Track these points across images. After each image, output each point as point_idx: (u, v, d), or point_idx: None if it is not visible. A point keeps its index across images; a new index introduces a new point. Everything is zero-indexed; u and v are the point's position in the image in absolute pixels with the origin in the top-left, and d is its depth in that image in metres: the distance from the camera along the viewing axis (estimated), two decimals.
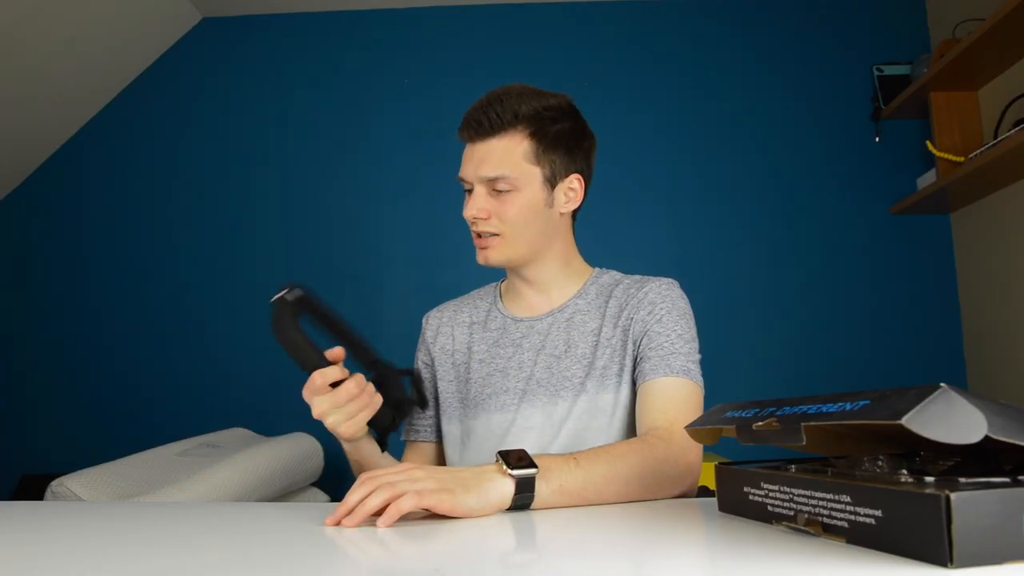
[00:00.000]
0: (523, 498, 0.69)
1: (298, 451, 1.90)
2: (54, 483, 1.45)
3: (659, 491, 0.80)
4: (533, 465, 0.70)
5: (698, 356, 0.98)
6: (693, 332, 1.00)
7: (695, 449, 0.86)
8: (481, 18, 2.49)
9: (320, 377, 0.80)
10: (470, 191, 0.99)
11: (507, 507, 0.69)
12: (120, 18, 2.26)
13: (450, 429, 1.06)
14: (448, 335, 1.11)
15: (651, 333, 0.97)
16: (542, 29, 2.47)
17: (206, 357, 2.38)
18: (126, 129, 2.51)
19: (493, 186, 0.96)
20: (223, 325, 2.39)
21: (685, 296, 1.03)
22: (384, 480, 0.65)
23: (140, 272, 2.44)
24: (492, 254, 0.99)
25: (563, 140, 0.99)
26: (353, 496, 0.64)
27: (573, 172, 1.01)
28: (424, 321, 1.15)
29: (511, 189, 0.96)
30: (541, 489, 0.70)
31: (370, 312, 2.36)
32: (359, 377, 0.83)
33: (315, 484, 2.07)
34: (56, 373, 2.41)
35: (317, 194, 2.44)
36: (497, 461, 0.71)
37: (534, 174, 0.97)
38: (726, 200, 2.33)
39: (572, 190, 1.02)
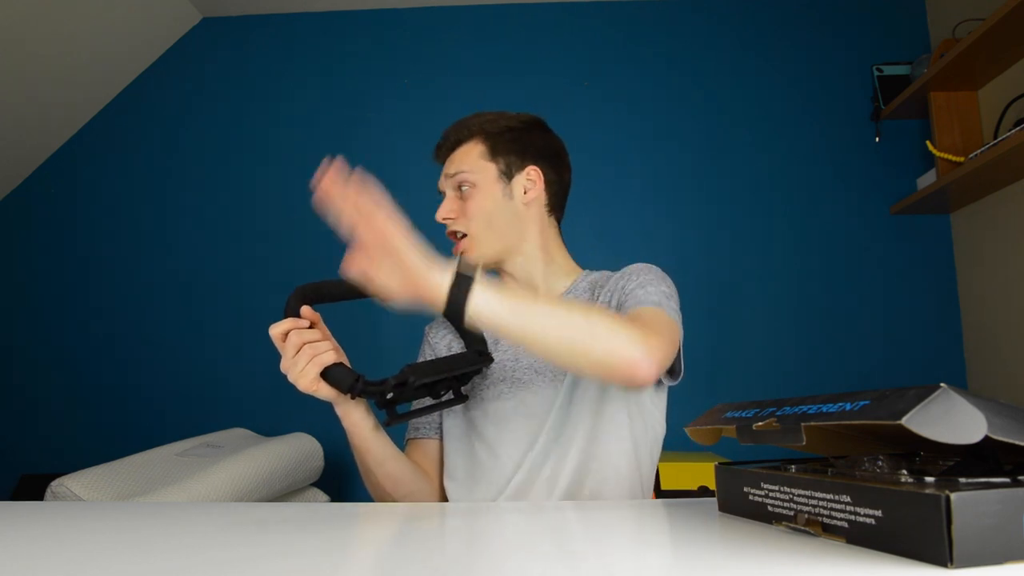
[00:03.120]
0: (457, 291, 0.75)
1: (298, 451, 1.90)
2: (54, 483, 1.45)
3: (597, 349, 0.76)
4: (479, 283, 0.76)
5: (678, 309, 0.95)
6: (674, 291, 0.98)
7: (658, 351, 0.79)
8: (481, 18, 2.49)
9: (272, 328, 0.86)
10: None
11: (439, 295, 0.75)
12: (120, 18, 2.26)
13: (453, 423, 1.09)
14: (451, 339, 1.15)
15: (628, 287, 0.97)
16: (542, 29, 2.47)
17: (206, 357, 2.38)
18: (126, 129, 2.51)
19: (459, 186, 1.06)
20: (223, 325, 2.39)
21: (666, 275, 1.03)
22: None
23: (139, 272, 2.44)
24: (467, 256, 1.05)
25: (516, 138, 1.08)
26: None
27: (529, 164, 1.08)
28: (427, 330, 1.20)
29: (472, 186, 1.05)
30: (477, 291, 0.75)
31: (371, 313, 2.35)
32: (310, 332, 0.87)
33: (315, 484, 2.07)
34: (56, 373, 2.41)
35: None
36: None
37: (489, 169, 1.06)
38: (726, 200, 2.33)
39: (530, 180, 1.08)
